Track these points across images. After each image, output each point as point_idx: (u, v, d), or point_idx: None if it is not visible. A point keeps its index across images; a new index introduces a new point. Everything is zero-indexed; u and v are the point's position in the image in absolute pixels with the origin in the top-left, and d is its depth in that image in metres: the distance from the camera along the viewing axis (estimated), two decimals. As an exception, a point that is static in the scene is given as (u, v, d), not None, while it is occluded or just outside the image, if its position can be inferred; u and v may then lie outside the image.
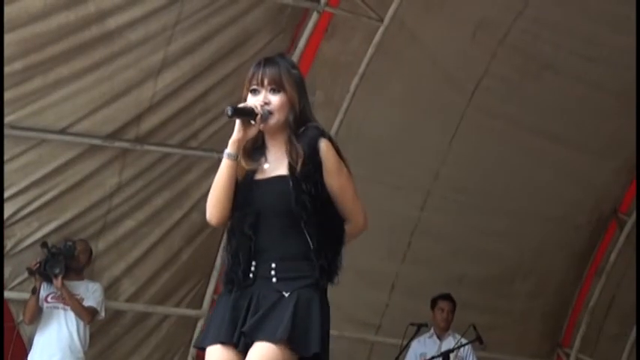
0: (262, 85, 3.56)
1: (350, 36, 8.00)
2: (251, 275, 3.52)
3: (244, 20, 7.63)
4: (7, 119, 7.21)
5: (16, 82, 7.12)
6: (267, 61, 3.59)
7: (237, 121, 3.54)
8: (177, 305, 8.22)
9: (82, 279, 7.48)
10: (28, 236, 7.51)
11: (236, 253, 3.54)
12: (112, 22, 7.23)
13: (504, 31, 8.40)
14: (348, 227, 3.58)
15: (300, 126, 3.56)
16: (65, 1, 7.03)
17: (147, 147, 7.68)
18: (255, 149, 3.59)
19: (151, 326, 8.16)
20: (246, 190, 3.54)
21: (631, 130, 9.29)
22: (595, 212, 9.62)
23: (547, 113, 8.85)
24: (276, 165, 3.56)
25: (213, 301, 8.28)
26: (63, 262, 7.21)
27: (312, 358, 3.48)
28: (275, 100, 3.55)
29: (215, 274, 8.26)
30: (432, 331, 8.22)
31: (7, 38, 6.93)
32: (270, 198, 3.52)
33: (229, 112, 3.49)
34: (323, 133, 3.57)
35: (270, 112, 3.53)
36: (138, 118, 7.61)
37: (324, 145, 3.53)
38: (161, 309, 8.14)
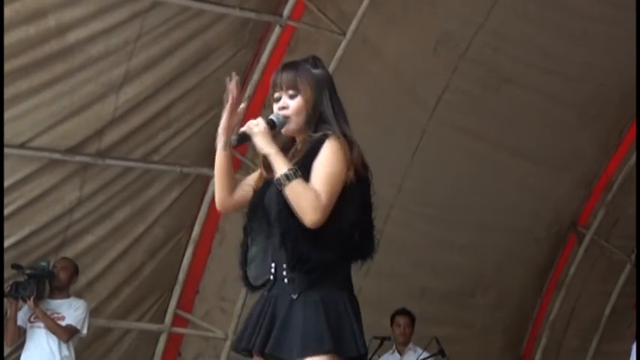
0: (282, 90, 3.53)
1: (312, 50, 7.99)
2: (271, 277, 3.49)
3: (206, 35, 7.61)
4: (-37, 134, 7.14)
5: (-26, 97, 7.05)
6: (285, 66, 3.57)
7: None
8: (139, 320, 8.17)
9: (67, 296, 7.39)
10: (-15, 252, 7.43)
11: (245, 252, 3.54)
12: (72, 37, 7.17)
13: (465, 44, 8.46)
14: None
15: (319, 127, 3.49)
16: (24, 16, 6.96)
17: (108, 161, 7.62)
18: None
19: (113, 341, 8.10)
20: (261, 191, 3.54)
21: (589, 143, 9.40)
22: (554, 225, 9.69)
23: (507, 126, 8.92)
24: None
25: (175, 315, 8.24)
26: (34, 283, 7.13)
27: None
28: (292, 104, 3.51)
29: (178, 288, 8.22)
30: (393, 347, 8.23)
31: (-35, 52, 6.87)
32: (270, 199, 3.49)
33: (234, 143, 3.49)
34: (336, 135, 3.45)
35: (287, 117, 3.49)
36: (99, 133, 7.56)
37: (327, 142, 3.43)
38: (123, 324, 8.08)
